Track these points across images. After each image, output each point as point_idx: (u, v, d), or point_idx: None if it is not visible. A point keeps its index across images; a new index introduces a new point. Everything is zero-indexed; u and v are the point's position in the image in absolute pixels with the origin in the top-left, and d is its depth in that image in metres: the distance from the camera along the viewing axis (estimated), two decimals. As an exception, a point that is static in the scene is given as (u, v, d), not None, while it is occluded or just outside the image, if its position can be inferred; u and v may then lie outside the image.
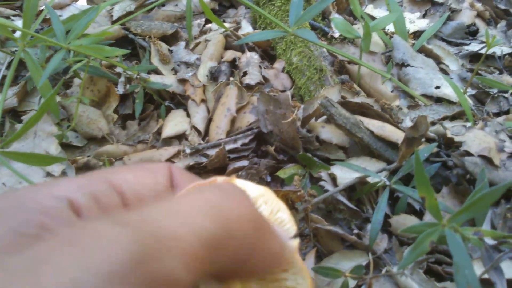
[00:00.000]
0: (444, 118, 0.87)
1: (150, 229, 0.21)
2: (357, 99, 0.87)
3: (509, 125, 0.82)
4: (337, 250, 0.72)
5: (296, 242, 0.31)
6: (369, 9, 1.22)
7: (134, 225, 0.21)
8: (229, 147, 0.83)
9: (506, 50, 1.15)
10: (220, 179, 0.31)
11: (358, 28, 1.05)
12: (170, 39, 1.04)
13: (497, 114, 0.97)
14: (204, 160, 0.82)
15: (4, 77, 0.94)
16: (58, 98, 0.88)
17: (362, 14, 0.97)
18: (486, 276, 0.59)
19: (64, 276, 0.19)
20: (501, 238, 0.54)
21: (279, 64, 1.00)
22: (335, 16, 1.09)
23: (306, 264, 0.69)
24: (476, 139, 0.74)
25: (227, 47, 1.03)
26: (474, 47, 1.16)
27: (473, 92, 0.99)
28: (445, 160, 0.78)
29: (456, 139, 0.76)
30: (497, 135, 0.78)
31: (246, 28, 1.08)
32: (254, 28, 1.09)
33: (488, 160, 0.73)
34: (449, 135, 0.77)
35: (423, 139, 0.77)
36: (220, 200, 0.25)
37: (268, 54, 1.06)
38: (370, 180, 0.75)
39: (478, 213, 0.55)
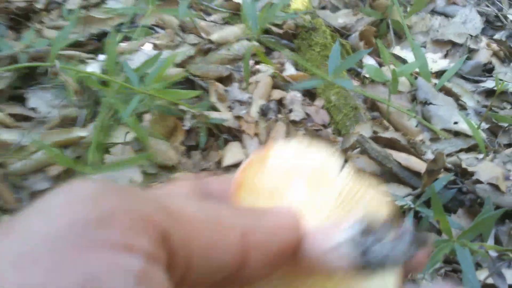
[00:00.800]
0: (461, 150, 1.03)
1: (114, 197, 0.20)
2: (387, 134, 1.04)
3: (516, 157, 0.97)
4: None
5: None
6: (397, 50, 1.39)
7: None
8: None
9: (519, 86, 1.31)
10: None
11: (387, 70, 1.22)
12: (225, 80, 1.22)
13: (509, 145, 1.12)
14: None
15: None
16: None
17: (392, 60, 1.14)
18: (492, 281, 0.75)
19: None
20: (502, 251, 0.70)
21: (319, 102, 1.18)
22: (367, 63, 1.26)
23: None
24: (486, 169, 0.91)
25: (274, 86, 1.21)
26: (489, 84, 1.32)
27: (487, 126, 1.15)
28: (461, 186, 0.94)
29: (469, 169, 0.92)
30: (504, 166, 0.94)
31: (289, 69, 1.26)
32: (296, 69, 1.27)
33: (495, 187, 0.89)
34: (463, 165, 0.94)
35: (442, 169, 0.93)
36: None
37: (309, 92, 1.23)
38: (398, 203, 0.92)
39: (483, 231, 0.71)
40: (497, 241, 0.84)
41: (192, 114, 1.07)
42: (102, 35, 1.30)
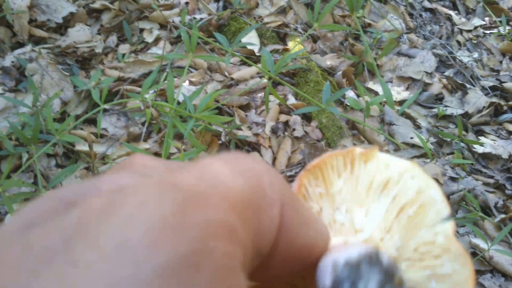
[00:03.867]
0: (414, 157, 1.41)
1: (185, 181, 0.18)
2: (363, 145, 1.42)
3: (452, 161, 1.36)
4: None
5: (451, 225, 0.27)
6: (370, 85, 1.78)
7: (168, 181, 0.18)
8: (288, 174, 1.37)
9: (460, 111, 1.71)
10: (358, 149, 0.29)
11: (362, 100, 1.61)
12: (245, 107, 1.60)
13: (450, 153, 1.51)
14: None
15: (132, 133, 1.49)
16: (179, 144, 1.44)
17: (366, 93, 1.53)
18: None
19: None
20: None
21: (314, 123, 1.56)
22: (348, 95, 1.65)
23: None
24: (430, 169, 1.29)
25: (280, 112, 1.59)
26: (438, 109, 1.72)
27: (435, 140, 1.53)
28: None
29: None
30: (443, 167, 1.32)
31: (291, 99, 1.64)
32: (296, 99, 1.65)
33: (436, 180, 1.27)
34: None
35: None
36: (252, 164, 0.21)
37: (306, 115, 1.61)
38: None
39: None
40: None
41: (226, 132, 1.44)
42: (149, 74, 1.68)
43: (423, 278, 0.27)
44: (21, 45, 1.64)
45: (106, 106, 1.32)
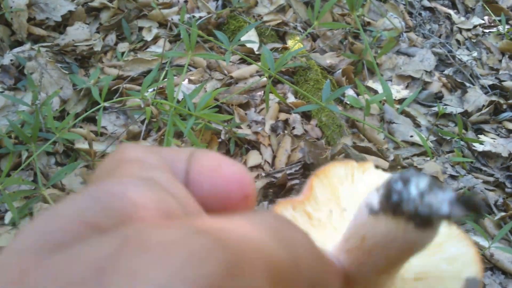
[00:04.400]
0: (415, 155, 1.41)
1: (232, 240, 0.17)
2: (363, 144, 1.42)
3: (452, 159, 1.37)
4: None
5: None
6: (370, 83, 1.78)
7: (215, 234, 0.17)
8: (287, 172, 1.38)
9: (459, 110, 1.71)
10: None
11: (362, 98, 1.61)
12: (244, 105, 1.60)
13: (450, 151, 1.51)
14: (273, 180, 1.36)
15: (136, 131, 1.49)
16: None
17: (365, 91, 1.53)
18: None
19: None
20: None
21: (313, 121, 1.56)
22: (348, 93, 1.65)
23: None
24: (430, 167, 1.29)
25: (280, 110, 1.59)
26: (438, 108, 1.72)
27: (435, 138, 1.54)
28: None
29: (419, 166, 1.31)
30: (443, 165, 1.33)
31: (291, 98, 1.64)
32: (296, 97, 1.65)
33: (436, 178, 1.27)
34: (415, 164, 1.32)
35: (399, 167, 1.32)
36: (285, 227, 0.21)
37: (305, 114, 1.61)
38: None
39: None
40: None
41: (226, 130, 1.44)
42: (148, 72, 1.68)
43: (435, 262, 0.29)
44: (20, 43, 1.64)
45: (106, 104, 1.32)
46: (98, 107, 1.34)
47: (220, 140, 1.45)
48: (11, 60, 1.54)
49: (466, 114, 1.68)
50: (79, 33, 1.76)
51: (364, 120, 1.48)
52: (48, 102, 1.36)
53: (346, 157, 1.40)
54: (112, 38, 1.80)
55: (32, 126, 1.28)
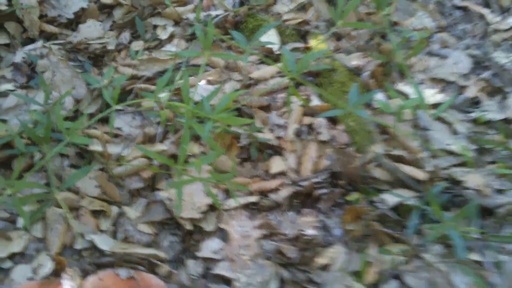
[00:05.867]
0: (453, 166, 1.37)
1: None
2: (396, 152, 1.39)
3: (496, 171, 1.33)
4: (388, 243, 1.22)
5: None
6: (400, 86, 1.75)
7: None
8: (314, 180, 1.34)
9: (500, 116, 1.67)
10: None
11: (393, 102, 1.58)
12: (265, 108, 1.57)
13: (492, 162, 1.47)
14: (299, 188, 1.33)
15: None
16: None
17: (397, 96, 1.50)
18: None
19: None
20: (482, 232, 1.05)
21: (340, 126, 1.53)
22: (377, 97, 1.62)
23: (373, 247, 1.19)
24: (473, 180, 1.26)
25: (304, 114, 1.56)
26: (477, 114, 1.68)
27: (475, 147, 1.50)
28: (454, 191, 1.29)
29: (460, 178, 1.27)
30: (487, 177, 1.29)
31: (315, 101, 1.61)
32: (321, 100, 1.62)
33: (479, 192, 1.24)
34: (455, 176, 1.29)
35: (437, 179, 1.28)
36: None
37: (331, 118, 1.58)
38: (407, 202, 1.26)
39: (468, 215, 1.06)
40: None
41: (246, 134, 1.42)
42: (163, 72, 1.66)
43: None
44: (32, 41, 1.64)
45: (119, 107, 1.31)
46: (110, 109, 1.32)
47: (240, 145, 1.43)
48: (23, 57, 1.53)
49: (507, 121, 1.64)
50: (91, 30, 1.75)
51: (396, 126, 1.45)
52: (60, 102, 1.34)
53: (378, 167, 1.37)
54: (126, 36, 1.78)
55: (44, 127, 1.27)
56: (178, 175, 1.26)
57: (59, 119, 1.20)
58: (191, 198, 1.27)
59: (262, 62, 1.74)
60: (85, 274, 1.05)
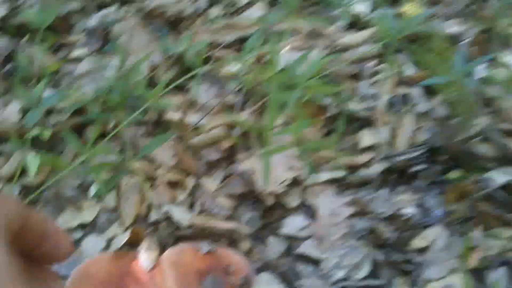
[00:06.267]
0: None
1: None
2: (503, 125, 1.23)
3: None
4: (495, 226, 1.08)
5: None
6: (503, 55, 1.57)
7: None
8: (411, 155, 1.22)
9: None
10: None
11: (498, 72, 1.41)
12: (355, 76, 1.45)
13: None
14: (393, 164, 1.21)
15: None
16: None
17: (504, 65, 1.33)
18: None
19: None
20: None
21: (439, 97, 1.38)
22: (480, 66, 1.45)
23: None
24: None
25: (398, 83, 1.43)
26: None
27: None
28: None
29: None
30: None
31: (410, 69, 1.47)
32: (416, 69, 1.48)
33: None
34: None
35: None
36: None
37: (428, 88, 1.43)
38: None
39: None
40: None
41: (334, 104, 1.31)
42: (242, 39, 1.57)
43: None
44: (107, 5, 1.60)
45: (198, 72, 1.23)
46: (190, 74, 1.25)
47: (327, 116, 1.32)
48: (98, 22, 1.50)
49: None
50: (167, -4, 1.69)
51: (504, 97, 1.29)
52: (136, 68, 1.29)
53: (484, 141, 1.22)
54: (203, 1, 1.71)
55: (119, 93, 1.22)
56: (265, 145, 1.18)
57: (140, 83, 1.15)
58: (273, 172, 1.18)
59: (350, 28, 1.62)
60: (162, 247, 0.99)
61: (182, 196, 1.17)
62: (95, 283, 0.90)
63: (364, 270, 0.99)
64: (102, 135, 1.21)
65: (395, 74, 1.43)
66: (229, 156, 1.24)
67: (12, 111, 1.28)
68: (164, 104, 1.24)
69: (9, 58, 1.41)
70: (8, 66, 1.40)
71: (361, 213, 1.10)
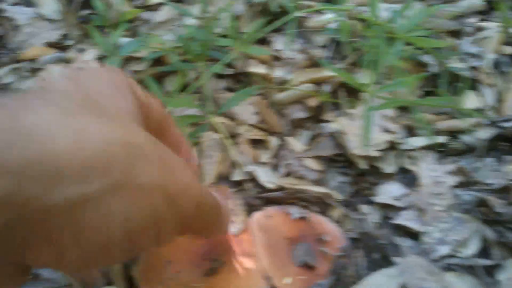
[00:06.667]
0: None
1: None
2: None
3: None
4: None
5: None
6: None
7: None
8: (522, 122, 1.09)
9: None
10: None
11: None
12: (456, 33, 1.32)
13: None
14: (501, 130, 1.09)
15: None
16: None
17: None
18: None
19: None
20: None
21: (554, 59, 1.23)
22: None
23: None
24: None
25: (504, 42, 1.28)
26: None
27: None
28: None
29: None
30: None
31: (518, 26, 1.32)
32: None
33: None
34: None
35: None
36: None
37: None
38: None
39: None
40: None
41: (435, 62, 1.19)
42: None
43: None
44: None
45: (288, 21, 1.14)
46: (277, 23, 1.16)
47: (427, 73, 1.20)
48: (176, -33, 1.42)
49: None
50: None
51: None
52: (219, 16, 1.21)
53: None
54: None
55: (201, 43, 1.15)
56: (359, 103, 1.08)
57: (228, 31, 1.06)
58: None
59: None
60: (248, 209, 0.92)
61: (265, 156, 1.09)
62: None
63: (472, 248, 0.89)
64: (182, 88, 1.15)
65: (502, 32, 1.29)
66: (317, 115, 1.15)
67: (88, 59, 1.23)
68: (248, 56, 1.16)
69: (85, 4, 1.36)
70: (83, 13, 1.35)
71: (467, 184, 0.99)
